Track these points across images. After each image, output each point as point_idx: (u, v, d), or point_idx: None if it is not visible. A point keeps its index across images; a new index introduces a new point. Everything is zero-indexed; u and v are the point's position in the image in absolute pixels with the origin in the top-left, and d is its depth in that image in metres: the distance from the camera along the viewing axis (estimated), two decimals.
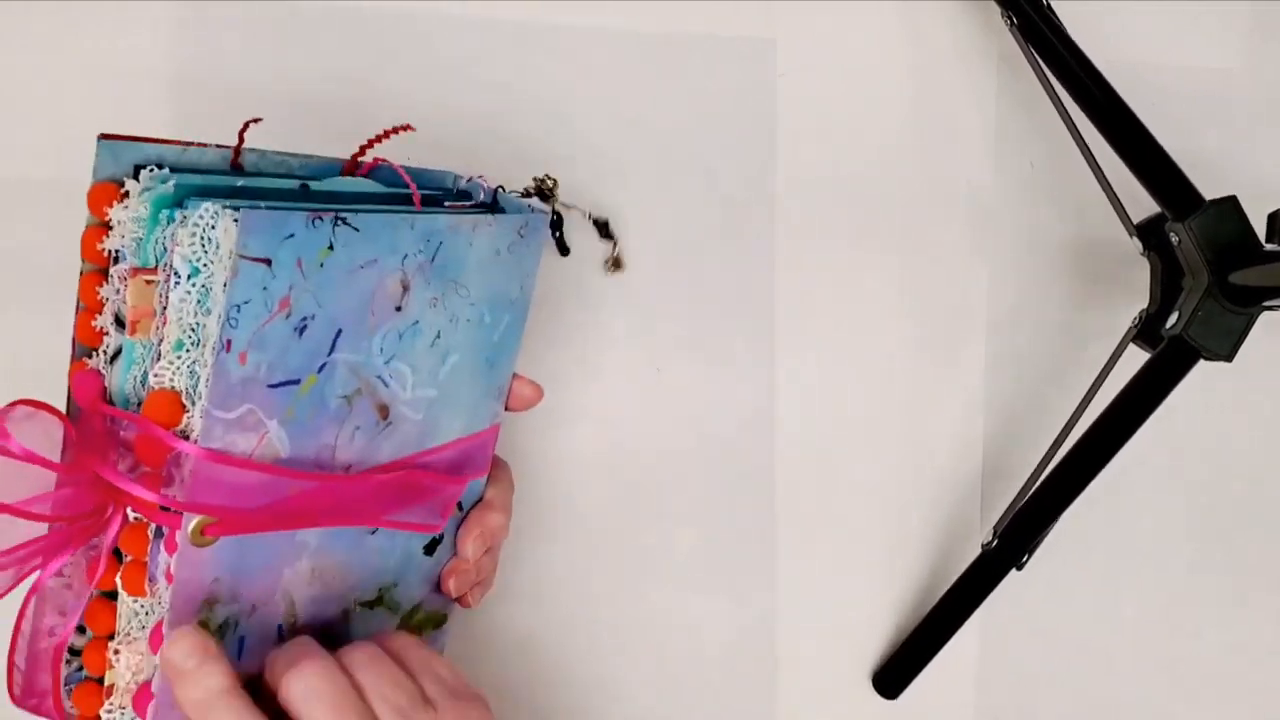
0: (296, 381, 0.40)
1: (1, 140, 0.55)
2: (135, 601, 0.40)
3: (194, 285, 0.38)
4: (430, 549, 0.49)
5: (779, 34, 0.63)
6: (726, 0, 0.62)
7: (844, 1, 0.64)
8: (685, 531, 0.63)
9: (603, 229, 0.58)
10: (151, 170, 0.40)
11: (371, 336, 0.42)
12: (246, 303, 0.37)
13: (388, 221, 0.41)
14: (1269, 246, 0.53)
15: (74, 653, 0.43)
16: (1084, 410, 0.61)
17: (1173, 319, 0.57)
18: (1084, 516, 0.63)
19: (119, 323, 0.41)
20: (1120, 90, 0.59)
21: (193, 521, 0.38)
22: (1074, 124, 0.61)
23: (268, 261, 0.37)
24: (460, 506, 0.50)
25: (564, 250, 0.59)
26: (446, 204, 0.49)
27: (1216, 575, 0.70)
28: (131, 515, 0.40)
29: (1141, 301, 0.61)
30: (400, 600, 0.49)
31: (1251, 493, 0.70)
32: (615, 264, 0.58)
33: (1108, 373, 0.61)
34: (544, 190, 0.57)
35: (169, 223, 0.38)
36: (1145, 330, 0.60)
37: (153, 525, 0.40)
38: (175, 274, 0.38)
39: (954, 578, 0.63)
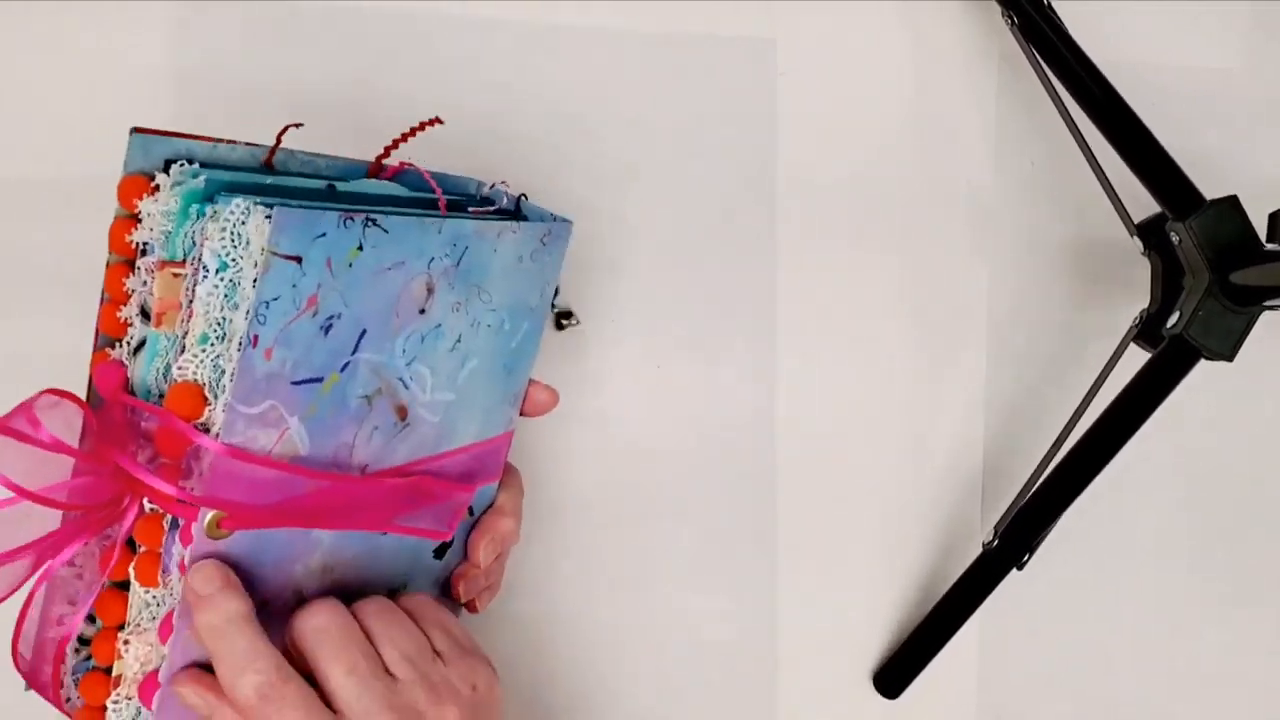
0: (320, 379, 0.40)
1: (1, 140, 0.55)
2: (147, 592, 0.41)
3: (222, 279, 0.38)
4: (440, 553, 0.49)
5: (779, 34, 0.63)
6: (726, 0, 0.62)
7: (844, 1, 0.64)
8: (685, 531, 0.63)
9: (562, 318, 0.60)
10: (182, 165, 0.40)
11: (395, 338, 0.43)
12: (275, 299, 0.37)
13: (416, 224, 0.42)
14: (1269, 246, 0.53)
15: (83, 642, 0.43)
16: (1084, 410, 0.61)
17: (1173, 319, 0.57)
18: (1085, 516, 0.63)
19: (144, 314, 0.41)
20: (1120, 90, 0.59)
21: (209, 515, 0.39)
22: (1074, 124, 0.61)
23: (298, 259, 0.38)
24: (471, 511, 0.50)
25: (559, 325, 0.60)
26: (470, 210, 0.49)
27: (1217, 575, 0.70)
28: (148, 506, 0.40)
29: (1142, 301, 0.61)
30: None
31: (1252, 492, 0.70)
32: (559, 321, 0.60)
33: (1108, 372, 0.61)
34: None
35: (199, 217, 0.39)
36: (1146, 330, 0.60)
37: (168, 517, 0.40)
38: (204, 268, 0.38)
39: (955, 577, 0.63)
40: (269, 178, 0.42)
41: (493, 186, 0.49)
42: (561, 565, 0.62)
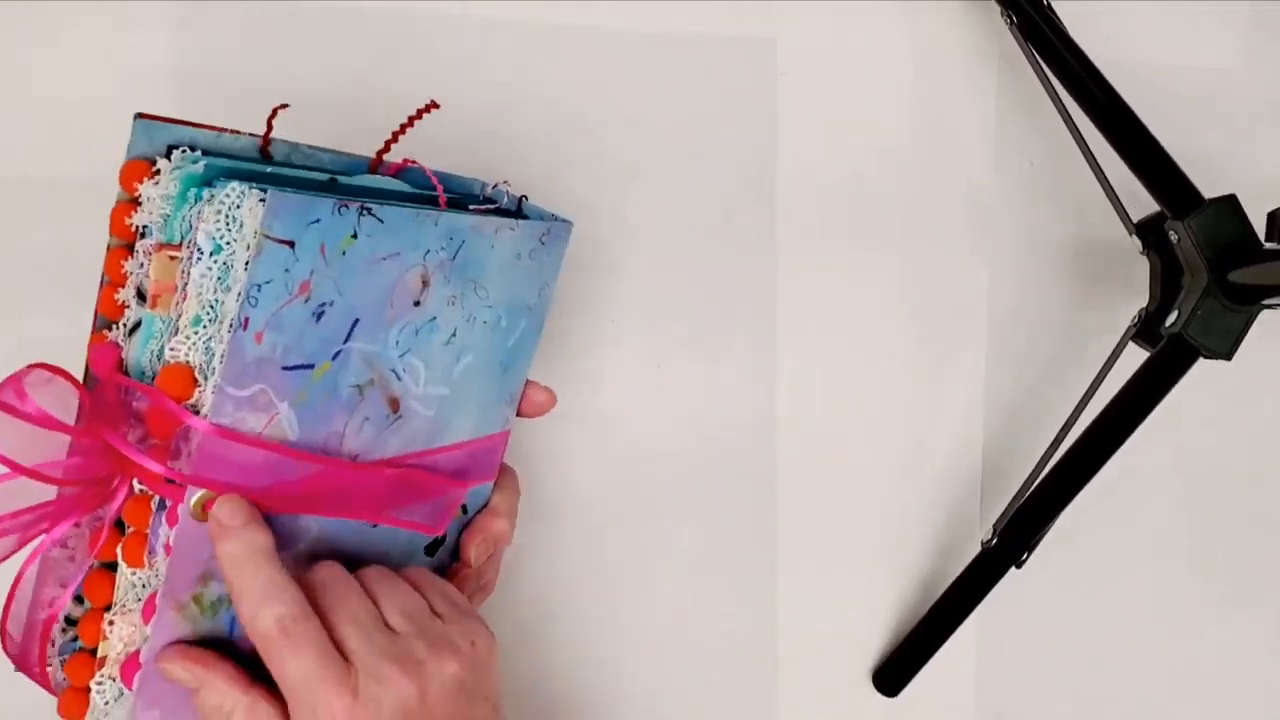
0: (310, 366, 0.40)
1: (1, 140, 0.55)
2: (133, 573, 0.41)
3: (215, 262, 0.38)
4: (431, 549, 0.49)
5: (779, 34, 0.63)
6: (726, 0, 0.62)
7: (844, 1, 0.64)
8: (685, 531, 0.63)
9: None
10: (184, 151, 0.40)
11: (388, 329, 0.43)
12: (267, 283, 0.38)
13: (412, 216, 0.42)
14: (1268, 245, 0.54)
15: (70, 623, 0.44)
16: (1084, 409, 0.61)
17: (1172, 318, 0.57)
18: (1084, 515, 0.63)
19: (140, 296, 0.41)
20: (1120, 90, 0.59)
21: (195, 496, 0.39)
22: (1074, 124, 0.61)
23: (291, 244, 0.38)
24: (465, 510, 0.50)
25: None
26: (471, 208, 0.49)
27: (1216, 574, 0.70)
28: (137, 487, 0.40)
29: (1141, 300, 0.61)
30: None
31: (1251, 491, 0.70)
32: None
33: (1107, 372, 0.61)
34: None
35: (196, 200, 0.39)
36: (1145, 329, 0.60)
37: (156, 498, 0.40)
38: (198, 250, 0.38)
39: (954, 576, 0.63)
40: (270, 168, 0.42)
41: (495, 187, 0.50)
42: (561, 565, 0.62)
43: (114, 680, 0.41)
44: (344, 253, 0.40)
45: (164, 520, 0.40)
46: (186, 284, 0.39)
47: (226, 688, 0.40)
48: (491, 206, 0.49)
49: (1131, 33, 0.67)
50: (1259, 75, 0.69)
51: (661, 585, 0.63)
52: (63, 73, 0.55)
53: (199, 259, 0.38)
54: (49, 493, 0.41)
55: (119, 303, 0.42)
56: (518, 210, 0.50)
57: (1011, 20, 0.61)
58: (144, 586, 0.41)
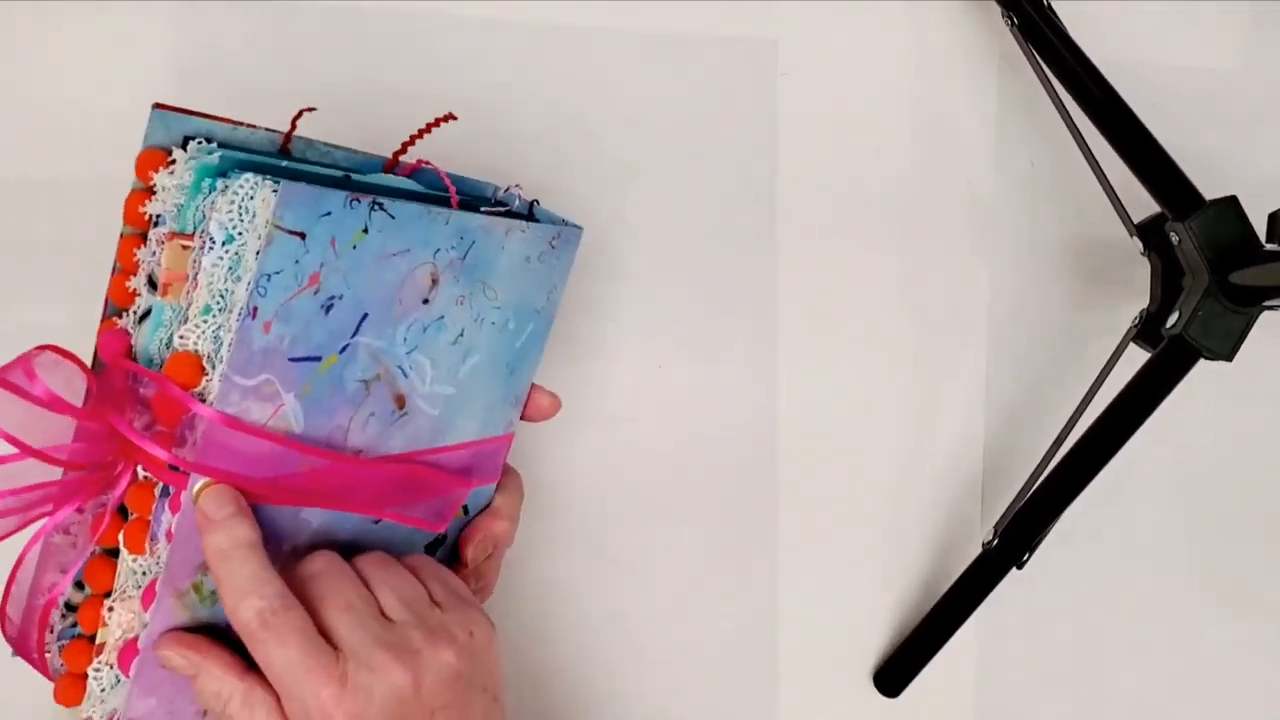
0: (318, 359, 0.41)
1: (1, 139, 0.55)
2: (134, 560, 0.41)
3: (227, 252, 0.38)
4: (431, 549, 0.49)
5: (780, 34, 0.63)
6: (727, 0, 0.62)
7: (845, 1, 0.64)
8: (686, 531, 0.63)
9: None
10: (200, 142, 0.41)
11: (396, 325, 0.43)
12: (277, 273, 0.38)
13: (424, 213, 0.42)
14: (1269, 246, 0.53)
15: (70, 608, 0.44)
16: (1084, 410, 0.61)
17: (1173, 319, 0.57)
18: (1085, 515, 0.63)
19: (152, 284, 0.41)
20: (1120, 90, 0.59)
21: (199, 483, 0.39)
22: (1074, 124, 0.61)
23: (302, 235, 0.38)
24: (466, 511, 0.50)
25: None
26: (482, 210, 0.49)
27: (1216, 575, 0.70)
28: (141, 474, 0.41)
29: (1142, 301, 0.61)
30: None
31: (1251, 492, 0.70)
32: None
33: (1108, 372, 0.61)
34: None
35: (211, 191, 0.39)
36: (1145, 330, 0.60)
37: (160, 484, 0.40)
38: (210, 239, 0.38)
39: (955, 576, 0.63)
40: (285, 163, 0.42)
41: (507, 190, 0.50)
42: (561, 565, 0.62)
43: (111, 667, 0.41)
44: (355, 246, 0.40)
45: (167, 507, 0.40)
46: (198, 273, 0.39)
47: (223, 674, 0.40)
48: (503, 209, 0.50)
49: (1131, 33, 0.67)
50: (1259, 75, 0.69)
51: (661, 585, 0.63)
52: (63, 73, 0.55)
53: (211, 248, 0.38)
54: (51, 477, 0.41)
55: (130, 290, 0.42)
56: (529, 214, 0.50)
57: (1012, 20, 0.61)
58: (144, 574, 0.41)
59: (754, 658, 0.64)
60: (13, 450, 0.39)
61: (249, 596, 0.39)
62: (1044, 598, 0.67)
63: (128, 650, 0.41)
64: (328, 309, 0.40)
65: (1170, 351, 0.57)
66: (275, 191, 0.37)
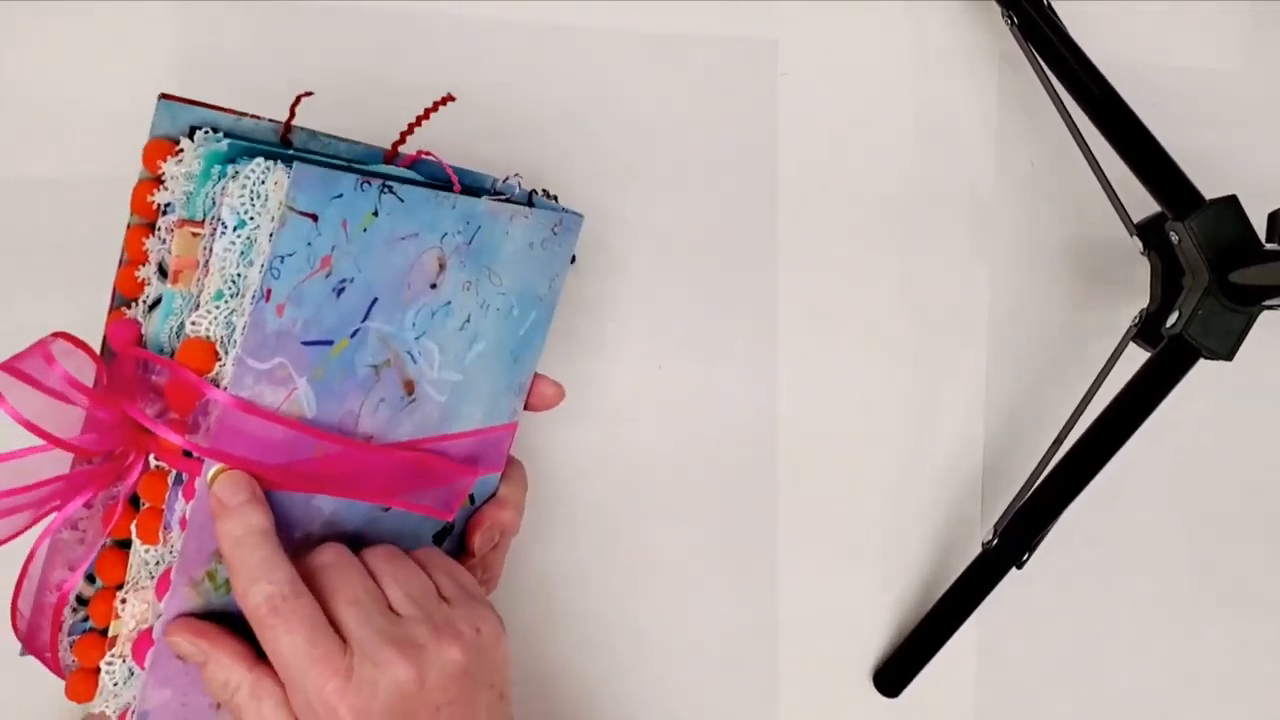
0: (329, 342, 0.41)
1: (2, 139, 0.55)
2: (147, 550, 0.41)
3: (239, 236, 0.39)
4: (440, 538, 0.50)
5: (780, 34, 0.63)
6: (727, 0, 0.62)
7: (845, 1, 0.64)
8: (686, 530, 0.63)
9: None
10: (207, 132, 0.41)
11: (405, 310, 0.43)
12: (290, 255, 0.38)
13: (431, 197, 0.42)
14: (1269, 246, 0.53)
15: (81, 602, 0.44)
16: (1084, 409, 0.61)
17: (1173, 318, 0.57)
18: (1084, 515, 0.63)
19: (162, 272, 0.42)
20: (1120, 90, 0.59)
21: (212, 469, 0.39)
22: (1074, 124, 0.61)
23: (314, 217, 0.38)
24: (472, 500, 0.50)
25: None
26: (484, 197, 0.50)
27: (1216, 575, 0.70)
28: (153, 463, 0.41)
29: (1141, 301, 0.61)
30: None
31: (1251, 492, 0.70)
32: None
33: (1108, 372, 0.61)
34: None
35: (220, 178, 0.40)
36: (1145, 329, 0.61)
37: (173, 472, 0.40)
38: (222, 224, 0.39)
39: (955, 576, 0.63)
40: (290, 152, 0.43)
41: (505, 180, 0.50)
42: (561, 564, 0.62)
43: (124, 660, 0.41)
44: (365, 229, 0.40)
45: (180, 494, 0.40)
46: (209, 259, 0.39)
47: (232, 663, 0.39)
48: (503, 198, 0.50)
49: (1131, 33, 0.67)
50: (1259, 75, 0.69)
51: (662, 585, 0.63)
52: (63, 72, 0.55)
53: (223, 233, 0.39)
54: (58, 473, 0.41)
55: (138, 280, 0.42)
56: (529, 204, 0.50)
57: (1012, 20, 0.61)
58: (158, 563, 0.41)
59: (754, 657, 0.64)
60: (18, 446, 0.39)
61: (259, 581, 0.39)
62: (1044, 598, 0.67)
63: (142, 641, 0.41)
64: (339, 292, 0.40)
65: (1170, 351, 0.57)
66: (288, 174, 0.37)
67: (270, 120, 0.43)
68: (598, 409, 0.62)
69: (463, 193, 0.47)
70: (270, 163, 0.39)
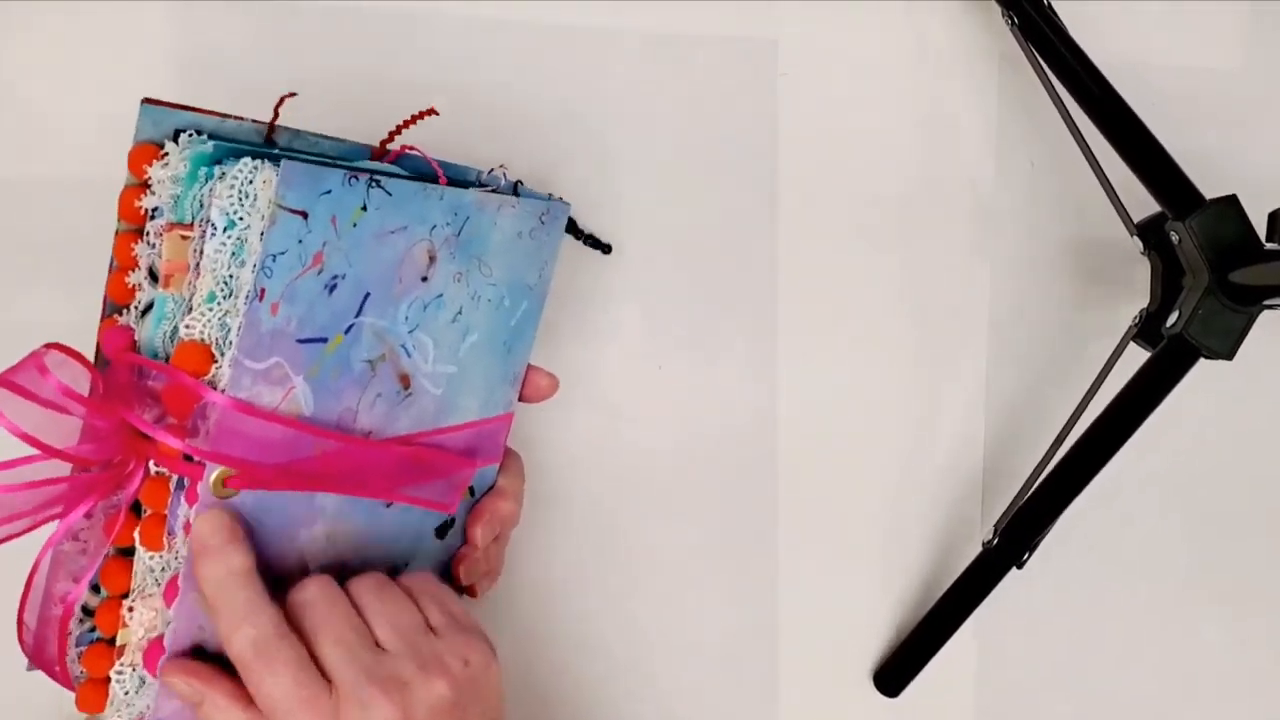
0: (324, 339, 0.41)
1: (2, 139, 0.55)
2: (151, 557, 0.41)
3: (229, 237, 0.39)
4: (441, 532, 0.50)
5: (780, 34, 0.63)
6: (727, 0, 0.62)
7: (845, 1, 0.64)
8: (686, 530, 0.63)
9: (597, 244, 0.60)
10: (191, 134, 0.41)
11: (398, 304, 0.43)
12: (282, 253, 0.38)
13: (419, 190, 0.43)
14: (1269, 245, 0.53)
15: (87, 613, 0.43)
16: (1084, 409, 0.61)
17: (1173, 318, 0.57)
18: (1085, 515, 0.63)
19: (153, 277, 0.41)
20: (1120, 90, 0.59)
21: (215, 472, 0.39)
22: (1074, 123, 0.61)
23: (304, 214, 0.38)
24: (472, 492, 0.50)
25: (607, 248, 0.60)
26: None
27: (1216, 574, 0.70)
28: (154, 469, 0.41)
29: (1142, 301, 0.61)
30: None
31: (1252, 492, 0.70)
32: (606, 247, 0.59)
33: (1108, 372, 0.61)
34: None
35: (207, 180, 0.39)
36: (1145, 329, 0.60)
37: (174, 477, 0.40)
38: (212, 226, 0.39)
39: (955, 576, 0.63)
40: (275, 151, 0.42)
41: (491, 172, 0.50)
42: (561, 564, 0.62)
43: (135, 669, 0.41)
44: (354, 225, 0.40)
45: (183, 499, 0.40)
46: (200, 261, 0.39)
47: (227, 704, 0.39)
48: (489, 189, 0.50)
49: (1131, 33, 0.67)
50: (1259, 75, 0.69)
51: (662, 584, 0.63)
52: (63, 72, 0.55)
53: (213, 234, 0.39)
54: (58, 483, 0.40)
55: (129, 286, 0.42)
56: (514, 194, 0.50)
57: (1012, 20, 0.61)
58: (163, 570, 0.41)
59: (754, 658, 0.64)
60: (17, 455, 0.38)
61: (242, 626, 0.38)
62: (1044, 598, 0.67)
63: (153, 649, 0.41)
64: (331, 289, 0.40)
65: (1170, 351, 0.57)
66: (277, 172, 0.37)
67: (254, 121, 0.43)
68: (597, 409, 0.62)
69: (450, 183, 0.47)
70: (258, 162, 0.38)
